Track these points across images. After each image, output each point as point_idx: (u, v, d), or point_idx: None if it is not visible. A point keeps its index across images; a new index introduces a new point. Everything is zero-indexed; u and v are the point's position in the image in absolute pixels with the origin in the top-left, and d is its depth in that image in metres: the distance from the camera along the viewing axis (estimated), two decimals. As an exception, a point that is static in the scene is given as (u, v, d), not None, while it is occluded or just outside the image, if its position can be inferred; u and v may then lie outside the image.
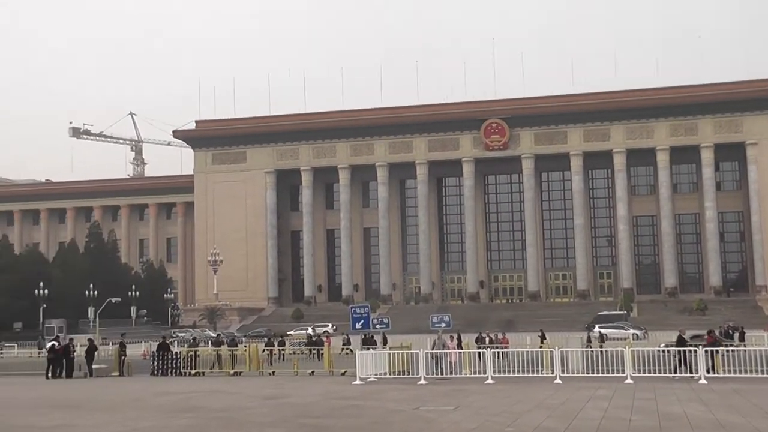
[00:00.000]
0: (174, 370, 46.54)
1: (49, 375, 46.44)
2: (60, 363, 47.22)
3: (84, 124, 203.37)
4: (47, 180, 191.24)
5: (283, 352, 55.40)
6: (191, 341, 68.00)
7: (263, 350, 51.77)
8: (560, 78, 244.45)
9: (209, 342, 75.03)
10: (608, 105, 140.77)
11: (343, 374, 41.99)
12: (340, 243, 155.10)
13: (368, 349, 44.16)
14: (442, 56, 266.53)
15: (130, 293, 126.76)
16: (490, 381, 35.32)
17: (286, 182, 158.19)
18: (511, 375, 36.90)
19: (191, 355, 47.72)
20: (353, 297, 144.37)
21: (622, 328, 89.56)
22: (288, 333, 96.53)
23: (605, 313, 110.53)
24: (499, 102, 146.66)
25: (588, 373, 36.59)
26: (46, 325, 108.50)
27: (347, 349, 53.17)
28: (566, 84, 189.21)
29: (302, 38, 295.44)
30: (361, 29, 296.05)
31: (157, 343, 51.32)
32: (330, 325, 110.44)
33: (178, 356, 48.12)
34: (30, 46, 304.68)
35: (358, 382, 36.58)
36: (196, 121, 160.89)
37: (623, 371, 35.30)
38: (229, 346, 52.64)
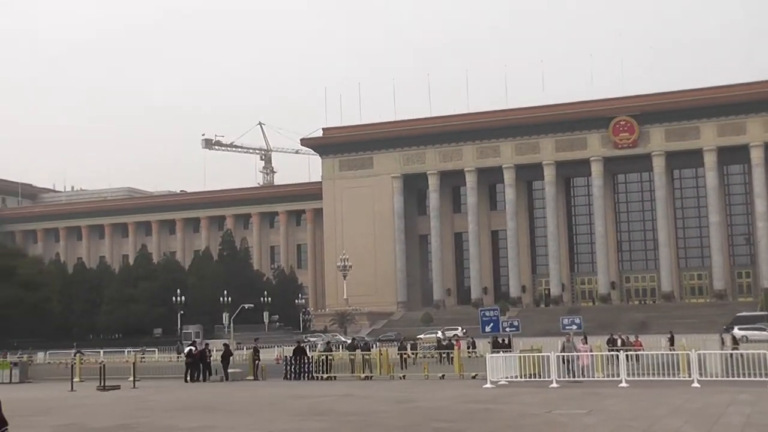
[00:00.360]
0: (307, 374, 47.24)
1: (188, 378, 47.85)
2: (197, 367, 48.63)
3: (216, 136, 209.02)
4: (182, 191, 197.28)
5: (415, 355, 55.45)
6: (326, 345, 69.03)
7: (397, 353, 52.13)
8: (691, 72, 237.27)
9: (340, 346, 75.91)
10: (744, 97, 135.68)
11: (473, 378, 41.77)
12: (468, 246, 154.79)
13: (499, 352, 43.79)
14: (567, 54, 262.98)
15: (262, 299, 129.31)
16: (624, 384, 34.47)
17: (413, 186, 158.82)
18: (645, 378, 35.86)
19: (324, 360, 48.35)
20: (482, 300, 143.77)
21: (764, 329, 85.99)
22: (418, 337, 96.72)
23: (745, 314, 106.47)
24: (628, 99, 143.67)
25: (727, 376, 35.21)
26: (184, 331, 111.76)
27: (472, 352, 52.91)
28: (698, 78, 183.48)
29: (425, 41, 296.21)
30: (484, 30, 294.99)
31: (293, 347, 52.22)
32: (460, 328, 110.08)
33: (311, 360, 48.85)
34: (163, 63, 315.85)
35: (488, 385, 36.31)
36: (323, 129, 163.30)
37: (767, 375, 33.81)
38: (362, 351, 53.09)
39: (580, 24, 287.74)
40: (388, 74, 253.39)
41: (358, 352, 51.15)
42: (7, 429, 12.17)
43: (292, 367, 48.04)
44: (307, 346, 74.47)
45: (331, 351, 55.46)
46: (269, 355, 68.36)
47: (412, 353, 55.43)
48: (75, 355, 61.74)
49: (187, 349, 51.60)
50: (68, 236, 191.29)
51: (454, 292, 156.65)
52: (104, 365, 46.21)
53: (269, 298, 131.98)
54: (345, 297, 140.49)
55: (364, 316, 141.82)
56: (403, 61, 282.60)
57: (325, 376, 46.81)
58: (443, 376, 44.24)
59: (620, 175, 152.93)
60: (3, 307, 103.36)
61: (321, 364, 47.82)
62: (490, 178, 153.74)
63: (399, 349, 56.89)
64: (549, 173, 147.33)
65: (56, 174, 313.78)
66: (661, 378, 35.50)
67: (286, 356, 52.54)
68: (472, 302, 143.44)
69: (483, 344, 58.46)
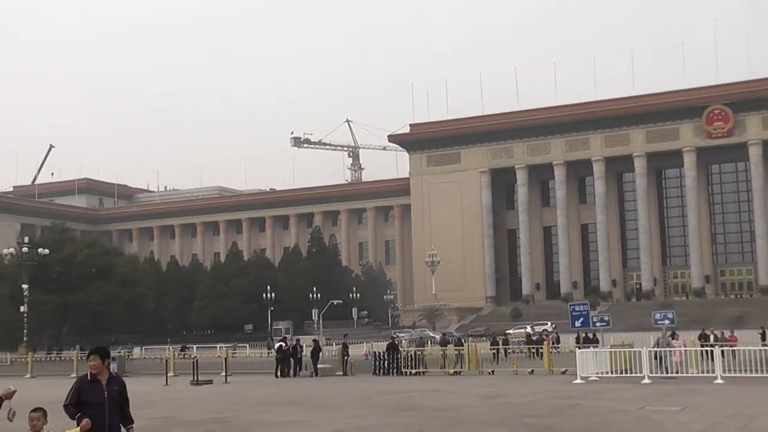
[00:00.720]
0: (395, 370, 47.31)
1: (278, 374, 48.36)
2: (288, 362, 49.12)
3: (304, 134, 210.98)
4: (271, 189, 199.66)
5: (506, 351, 54.99)
6: (418, 341, 69.21)
7: (491, 349, 51.89)
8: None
9: (428, 342, 75.89)
10: None
11: (563, 373, 41.29)
12: (557, 240, 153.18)
13: (589, 347, 43.20)
14: (658, 43, 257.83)
15: (351, 295, 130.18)
16: (719, 381, 33.59)
17: (501, 181, 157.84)
18: (741, 375, 34.86)
19: (413, 355, 48.31)
20: (572, 294, 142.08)
21: None
22: (506, 332, 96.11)
23: None
24: (722, 87, 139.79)
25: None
26: (274, 327, 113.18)
27: (555, 347, 52.20)
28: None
29: (511, 32, 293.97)
30: (571, 20, 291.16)
31: (387, 343, 52.39)
32: (549, 323, 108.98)
33: (401, 356, 48.89)
34: (252, 63, 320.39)
35: (578, 381, 35.85)
36: (410, 125, 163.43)
37: None
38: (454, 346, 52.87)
39: (671, 12, 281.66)
40: (475, 68, 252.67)
41: (450, 347, 50.92)
42: (132, 428, 12.31)
43: (383, 362, 48.13)
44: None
45: (425, 346, 55.44)
46: (358, 350, 68.68)
47: (505, 348, 54.92)
48: (181, 351, 63.47)
49: (277, 345, 52.14)
50: (162, 235, 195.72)
51: (543, 286, 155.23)
52: (197, 360, 47.00)
53: (358, 294, 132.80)
54: (433, 292, 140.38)
55: (453, 311, 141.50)
56: (490, 54, 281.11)
57: (413, 371, 46.82)
58: (532, 371, 43.80)
59: (714, 166, 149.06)
60: (101, 303, 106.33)
61: (410, 359, 47.82)
62: (579, 170, 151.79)
63: (491, 344, 56.73)
64: (640, 165, 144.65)
65: (150, 174, 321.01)
66: (760, 374, 34.46)
67: (374, 351, 52.72)
68: (562, 297, 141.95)
69: (570, 339, 57.86)
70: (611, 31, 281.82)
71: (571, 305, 45.83)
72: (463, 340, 64.56)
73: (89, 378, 11.99)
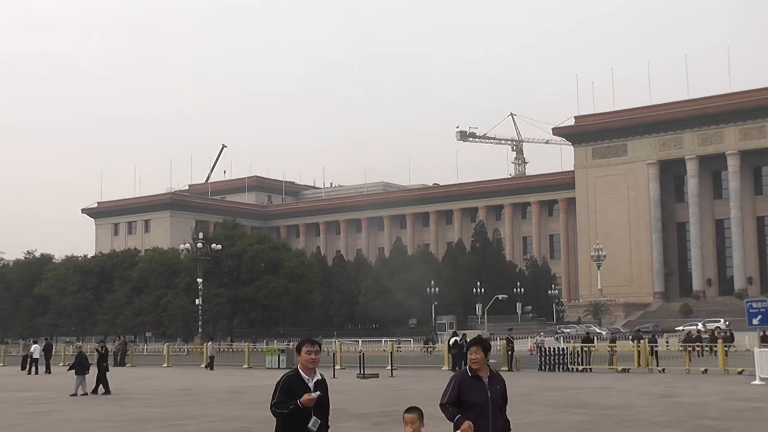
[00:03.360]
0: (561, 366, 46.59)
1: (455, 367, 48.30)
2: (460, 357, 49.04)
3: (470, 128, 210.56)
4: (435, 184, 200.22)
5: (701, 348, 53.02)
6: (610, 336, 67.80)
7: (687, 346, 50.45)
8: None
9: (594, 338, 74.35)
10: None
11: (739, 373, 39.57)
12: (730, 234, 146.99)
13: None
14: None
15: (514, 290, 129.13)
16: None
17: (670, 173, 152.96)
18: None
19: (580, 350, 47.46)
20: (747, 290, 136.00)
21: None
22: (675, 329, 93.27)
23: None
24: None
25: None
26: (438, 321, 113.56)
27: (729, 345, 49.82)
28: None
29: (682, 20, 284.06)
30: (743, 6, 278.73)
31: (582, 336, 51.45)
32: (722, 320, 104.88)
33: (566, 351, 48.14)
34: (417, 59, 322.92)
35: (757, 382, 34.23)
36: (575, 117, 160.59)
37: None
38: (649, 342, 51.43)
39: None
40: (642, 58, 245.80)
41: (644, 343, 49.28)
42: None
43: (549, 357, 47.52)
44: (561, 337, 73.77)
45: (616, 341, 54.34)
46: (522, 345, 68.01)
47: (701, 345, 53.04)
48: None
49: (452, 340, 52.04)
50: (327, 230, 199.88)
51: (714, 282, 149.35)
52: (363, 354, 47.66)
53: (522, 289, 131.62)
54: (599, 287, 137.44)
55: (619, 306, 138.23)
56: (658, 43, 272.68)
57: (580, 368, 45.98)
58: (706, 370, 42.21)
59: None
60: (270, 297, 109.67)
61: (576, 355, 46.98)
62: (754, 160, 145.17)
63: (684, 341, 55.34)
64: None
65: (316, 171, 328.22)
66: None
67: (539, 347, 52.08)
68: (735, 293, 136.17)
69: (747, 338, 55.39)
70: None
71: (747, 302, 43.83)
72: (656, 336, 62.60)
73: (470, 374, 10.69)
